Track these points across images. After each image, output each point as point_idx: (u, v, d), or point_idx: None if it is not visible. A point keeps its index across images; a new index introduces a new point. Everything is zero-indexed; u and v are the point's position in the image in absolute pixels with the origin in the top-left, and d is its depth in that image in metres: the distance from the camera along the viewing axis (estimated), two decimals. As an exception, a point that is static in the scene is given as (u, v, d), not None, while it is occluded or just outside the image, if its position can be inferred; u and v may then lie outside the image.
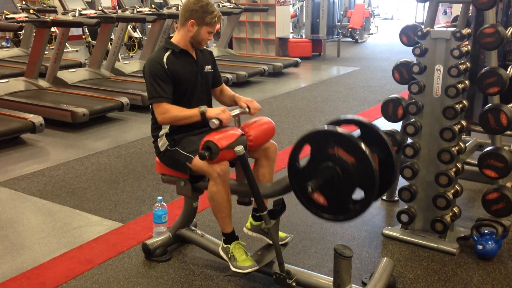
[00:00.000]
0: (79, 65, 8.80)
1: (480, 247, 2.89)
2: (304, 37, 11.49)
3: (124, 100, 5.98)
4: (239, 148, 2.35)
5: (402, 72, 3.22)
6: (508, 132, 3.32)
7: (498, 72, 2.89)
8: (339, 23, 13.42)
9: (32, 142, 5.20)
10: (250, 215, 2.82)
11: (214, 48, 9.72)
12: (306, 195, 2.15)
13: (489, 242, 2.88)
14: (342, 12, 13.71)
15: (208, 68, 2.82)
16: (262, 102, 6.85)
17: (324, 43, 10.75)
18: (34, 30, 7.82)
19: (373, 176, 1.98)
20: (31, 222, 3.47)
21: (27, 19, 6.58)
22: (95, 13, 7.49)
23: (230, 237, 2.62)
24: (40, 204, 3.75)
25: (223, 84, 2.95)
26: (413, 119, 3.06)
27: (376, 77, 8.71)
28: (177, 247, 3.06)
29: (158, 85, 2.61)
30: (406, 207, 3.11)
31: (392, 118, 3.24)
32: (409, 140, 3.15)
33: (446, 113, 2.90)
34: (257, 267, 2.54)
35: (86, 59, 9.34)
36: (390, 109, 3.22)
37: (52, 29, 8.76)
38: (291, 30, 12.81)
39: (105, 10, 7.59)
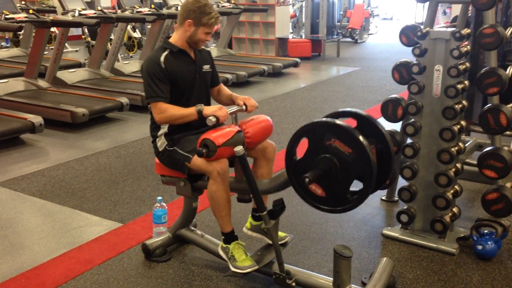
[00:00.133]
0: (79, 65, 8.80)
1: (479, 247, 2.89)
2: (303, 37, 11.49)
3: (124, 100, 5.98)
4: (239, 148, 2.35)
5: (402, 72, 3.22)
6: (508, 132, 3.32)
7: (498, 72, 2.89)
8: (339, 23, 13.42)
9: (31, 142, 5.20)
10: (250, 215, 2.82)
11: (213, 48, 9.72)
12: (303, 187, 2.15)
13: (489, 242, 2.88)
14: (341, 12, 13.71)
15: (206, 67, 2.82)
16: (261, 102, 6.85)
17: (323, 43, 10.76)
18: (34, 30, 7.83)
19: (371, 167, 1.99)
20: (31, 222, 3.47)
21: (26, 19, 6.58)
22: (95, 13, 7.49)
23: (229, 237, 2.62)
24: (40, 204, 3.75)
25: (221, 84, 2.96)
26: (412, 119, 3.06)
27: (375, 77, 8.71)
28: (176, 247, 3.06)
29: (155, 85, 2.61)
30: (405, 207, 3.11)
31: (391, 118, 3.25)
32: (409, 140, 3.15)
33: (446, 113, 2.90)
34: (256, 267, 2.54)
35: (85, 59, 9.34)
36: (389, 109, 3.22)
37: (52, 29, 8.75)
38: (291, 30, 12.81)
39: (105, 10, 7.59)
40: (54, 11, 9.85)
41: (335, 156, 2.06)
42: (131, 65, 8.17)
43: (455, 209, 3.05)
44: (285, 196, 2.64)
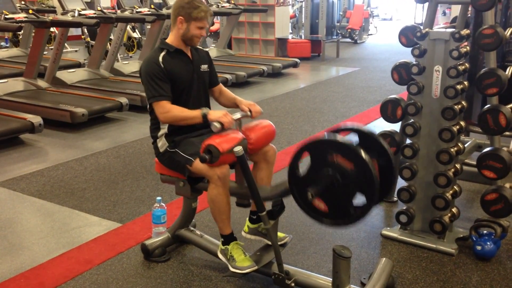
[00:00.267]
0: (78, 65, 8.80)
1: (478, 247, 2.89)
2: (303, 38, 11.49)
3: (123, 100, 5.98)
4: (238, 149, 2.35)
5: (401, 73, 3.22)
6: (507, 133, 3.33)
7: (497, 73, 2.89)
8: (338, 24, 13.42)
9: (31, 142, 5.19)
10: (247, 219, 2.82)
11: (213, 49, 9.73)
12: (306, 202, 2.16)
13: (488, 243, 2.88)
14: (341, 13, 13.71)
15: (204, 67, 2.81)
16: (261, 102, 6.86)
17: (323, 43, 10.76)
18: (33, 30, 7.82)
19: (373, 182, 2.00)
20: (30, 223, 3.47)
21: (26, 19, 6.58)
22: (94, 13, 7.49)
23: (228, 238, 2.62)
24: (39, 204, 3.75)
25: (221, 84, 2.95)
26: (412, 120, 3.06)
27: (375, 77, 8.71)
28: (176, 247, 3.06)
29: (157, 84, 2.61)
30: (405, 208, 3.11)
31: (391, 119, 3.25)
32: (408, 141, 3.15)
33: (445, 113, 2.90)
34: (256, 267, 2.54)
35: (85, 59, 9.34)
36: (389, 110, 3.22)
37: (51, 29, 8.75)
38: (290, 31, 12.81)
39: (104, 10, 7.59)
40: (54, 11, 9.86)
41: (337, 172, 2.07)
42: (130, 65, 8.17)
43: (454, 210, 3.05)
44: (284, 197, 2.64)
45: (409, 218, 3.07)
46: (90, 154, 4.83)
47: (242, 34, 11.31)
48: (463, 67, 2.91)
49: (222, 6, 9.29)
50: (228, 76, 7.48)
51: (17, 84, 6.57)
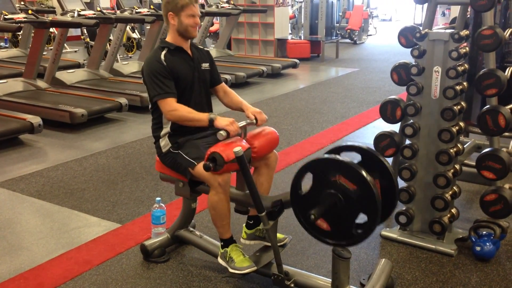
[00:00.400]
0: (78, 65, 8.80)
1: (478, 248, 2.89)
2: (302, 38, 11.50)
3: (123, 100, 5.97)
4: (238, 149, 2.34)
5: (401, 74, 3.22)
6: (506, 134, 3.33)
7: (496, 73, 2.89)
8: (338, 25, 13.43)
9: (30, 143, 5.19)
10: (244, 225, 2.82)
11: (212, 49, 9.74)
12: (309, 222, 2.16)
13: (487, 244, 2.88)
14: (340, 14, 13.72)
15: (205, 65, 2.81)
16: (260, 103, 6.86)
17: (322, 44, 10.76)
18: (33, 31, 7.82)
19: (376, 203, 2.00)
20: (29, 223, 3.47)
21: (25, 19, 6.57)
22: (94, 14, 7.48)
23: (228, 242, 2.62)
24: (38, 204, 3.75)
25: (223, 83, 2.93)
26: (411, 121, 3.06)
27: (374, 78, 8.72)
28: (175, 248, 3.05)
29: (161, 82, 2.60)
30: (404, 209, 3.11)
31: (390, 120, 3.25)
32: (408, 142, 3.15)
33: (444, 114, 2.90)
34: (255, 268, 2.54)
35: (84, 60, 9.34)
36: (388, 111, 3.22)
37: (51, 29, 8.75)
38: (290, 31, 12.82)
39: (104, 11, 7.59)
40: (53, 12, 9.86)
41: (340, 192, 2.07)
42: (130, 65, 8.17)
43: (453, 210, 3.05)
44: (283, 197, 2.64)
45: (409, 218, 3.08)
46: (89, 154, 4.83)
47: (242, 35, 11.31)
48: (462, 68, 2.91)
49: (222, 7, 9.29)
50: (228, 77, 7.48)
51: (16, 85, 6.57)
